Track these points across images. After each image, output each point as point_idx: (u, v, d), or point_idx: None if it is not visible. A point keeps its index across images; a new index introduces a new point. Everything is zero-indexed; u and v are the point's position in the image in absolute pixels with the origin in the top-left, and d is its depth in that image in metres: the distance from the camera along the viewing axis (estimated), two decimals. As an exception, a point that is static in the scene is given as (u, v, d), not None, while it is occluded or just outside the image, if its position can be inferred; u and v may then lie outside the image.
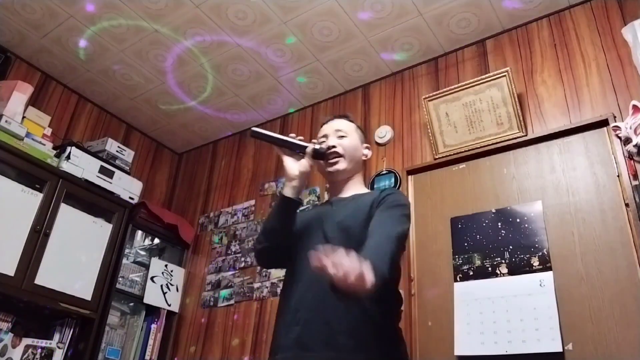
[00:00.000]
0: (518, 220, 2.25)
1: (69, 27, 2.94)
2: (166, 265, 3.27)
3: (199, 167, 3.86)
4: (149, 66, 3.19)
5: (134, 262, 3.18)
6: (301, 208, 1.57)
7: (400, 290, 1.57)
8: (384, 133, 2.89)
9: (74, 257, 2.73)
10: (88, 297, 2.72)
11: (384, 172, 2.75)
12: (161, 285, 3.18)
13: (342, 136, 1.61)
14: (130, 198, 3.10)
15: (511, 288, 2.13)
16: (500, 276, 2.19)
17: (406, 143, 2.82)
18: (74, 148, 2.89)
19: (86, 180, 2.89)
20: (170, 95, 3.43)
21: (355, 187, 1.61)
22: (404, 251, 1.42)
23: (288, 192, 1.48)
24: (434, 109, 2.65)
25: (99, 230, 2.90)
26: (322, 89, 3.27)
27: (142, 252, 3.29)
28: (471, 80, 2.58)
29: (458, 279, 2.29)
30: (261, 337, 2.81)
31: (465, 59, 2.83)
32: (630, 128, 2.03)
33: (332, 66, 3.08)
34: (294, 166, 1.51)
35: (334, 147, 1.58)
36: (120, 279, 2.99)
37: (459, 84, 2.62)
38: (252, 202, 3.34)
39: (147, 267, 3.18)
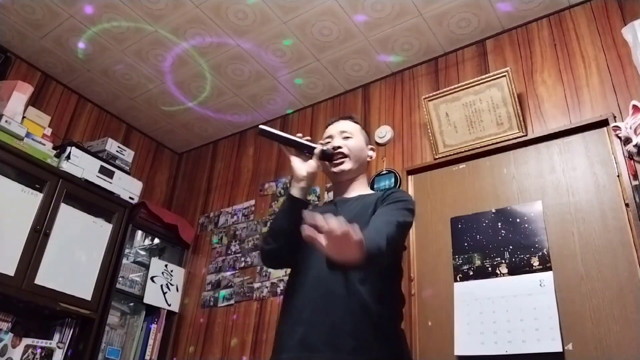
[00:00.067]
0: (518, 220, 2.25)
1: (69, 27, 2.94)
2: (166, 265, 3.27)
3: (199, 167, 3.86)
4: (149, 66, 3.19)
5: (134, 262, 3.18)
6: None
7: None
8: (384, 133, 2.89)
9: (74, 257, 2.73)
10: (88, 297, 2.72)
11: (384, 172, 2.75)
12: (161, 285, 3.18)
13: (348, 137, 1.62)
14: (130, 198, 3.10)
15: (511, 288, 2.13)
16: (500, 276, 2.19)
17: (406, 143, 2.82)
18: (74, 148, 2.89)
19: (86, 180, 2.89)
20: (170, 95, 3.43)
21: (360, 188, 1.62)
22: (404, 239, 1.42)
23: (296, 192, 1.48)
24: (434, 109, 2.65)
25: (99, 230, 2.90)
26: (322, 89, 3.27)
27: (142, 252, 3.29)
28: (471, 80, 2.58)
29: (458, 279, 2.29)
30: (261, 337, 2.81)
31: (465, 59, 2.83)
32: (630, 128, 2.03)
33: (332, 66, 3.08)
34: (301, 167, 1.51)
35: (339, 147, 1.59)
36: (120, 279, 2.99)
37: (459, 84, 2.62)
38: (252, 202, 3.34)
39: (147, 267, 3.18)
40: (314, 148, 1.54)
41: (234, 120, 3.63)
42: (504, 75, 2.46)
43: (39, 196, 2.65)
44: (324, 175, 2.07)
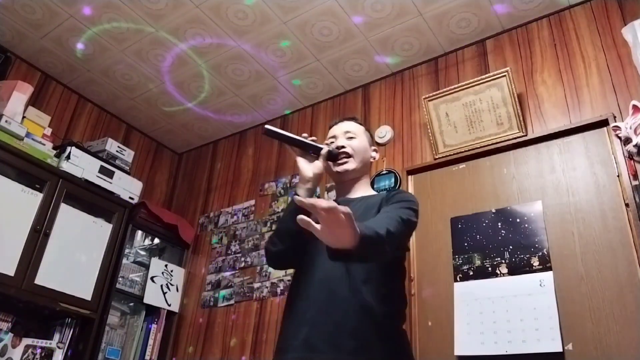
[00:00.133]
0: (518, 220, 2.25)
1: (69, 27, 2.94)
2: (166, 265, 3.27)
3: (199, 167, 3.86)
4: (149, 66, 3.19)
5: (134, 262, 3.19)
6: None
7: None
8: (384, 133, 2.89)
9: (74, 257, 2.73)
10: (88, 297, 2.72)
11: (384, 172, 2.75)
12: (161, 285, 3.18)
13: (352, 137, 1.63)
14: (130, 198, 3.10)
15: (511, 288, 2.13)
16: (500, 276, 2.19)
17: (406, 143, 2.82)
18: (74, 148, 2.89)
19: (86, 180, 2.89)
20: (170, 95, 3.43)
21: (363, 189, 1.63)
22: (408, 237, 1.41)
23: (302, 193, 1.48)
24: (434, 109, 2.66)
25: (99, 230, 2.90)
26: (322, 89, 3.27)
27: (142, 252, 3.29)
28: (471, 80, 2.58)
29: (458, 279, 2.29)
30: (261, 337, 2.81)
31: (465, 59, 2.83)
32: (630, 128, 2.03)
33: (332, 66, 3.08)
34: (308, 168, 1.51)
35: (343, 147, 1.59)
36: (120, 279, 2.99)
37: (459, 84, 2.62)
38: (252, 202, 3.34)
39: (147, 267, 3.18)
40: (320, 148, 1.53)
41: (234, 120, 3.63)
42: (504, 75, 2.46)
43: (39, 196, 2.65)
44: (325, 175, 2.07)
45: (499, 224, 2.29)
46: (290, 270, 2.67)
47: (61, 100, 3.37)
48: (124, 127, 3.72)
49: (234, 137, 3.77)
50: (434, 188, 2.59)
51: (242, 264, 3.12)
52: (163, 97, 3.46)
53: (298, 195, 1.47)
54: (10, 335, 2.49)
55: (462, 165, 2.56)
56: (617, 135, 2.12)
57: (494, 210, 2.34)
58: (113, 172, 3.05)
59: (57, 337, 2.65)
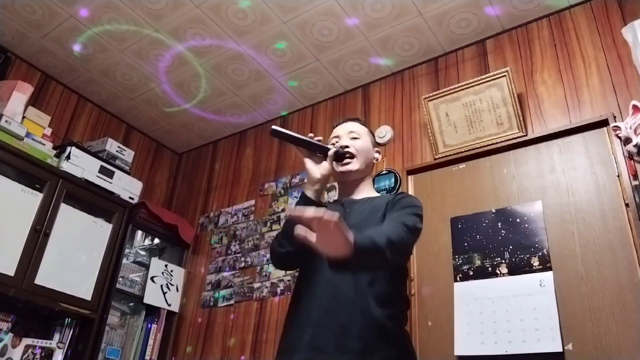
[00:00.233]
0: (518, 220, 2.25)
1: (69, 27, 2.94)
2: (166, 265, 3.27)
3: (199, 167, 3.86)
4: (149, 66, 3.19)
5: (134, 262, 3.18)
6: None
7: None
8: (384, 133, 2.89)
9: (74, 257, 2.73)
10: (88, 297, 2.72)
11: (384, 172, 2.75)
12: (161, 285, 3.18)
13: (355, 138, 1.63)
14: (130, 198, 3.10)
15: (511, 288, 2.13)
16: (500, 276, 2.19)
17: (406, 143, 2.82)
18: (74, 148, 2.89)
19: (86, 180, 2.89)
20: (170, 95, 3.43)
21: (367, 190, 1.63)
22: (413, 243, 1.41)
23: (311, 195, 1.48)
24: (434, 109, 2.65)
25: (99, 230, 2.90)
26: (322, 89, 3.27)
27: (142, 252, 3.29)
28: (471, 80, 2.58)
29: (458, 279, 2.29)
30: (261, 337, 2.81)
31: (465, 59, 2.83)
32: (630, 128, 2.03)
33: (332, 66, 3.08)
34: (315, 169, 1.50)
35: (347, 147, 1.59)
36: (120, 279, 2.99)
37: (459, 84, 2.62)
38: (252, 202, 3.34)
39: (147, 267, 3.18)
40: (327, 149, 1.53)
41: (234, 120, 3.63)
42: (504, 75, 2.46)
43: (39, 196, 2.65)
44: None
45: (499, 224, 2.29)
46: (290, 271, 2.67)
47: (61, 100, 3.37)
48: (124, 127, 3.72)
49: (234, 137, 3.77)
50: (434, 188, 2.59)
51: (242, 264, 3.12)
52: (163, 97, 3.46)
53: (306, 194, 1.48)
54: (10, 335, 2.49)
55: (462, 165, 2.56)
56: (617, 135, 2.12)
57: (494, 210, 2.34)
58: (113, 172, 3.05)
59: (57, 337, 2.65)
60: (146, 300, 3.07)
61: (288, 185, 3.20)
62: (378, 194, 1.66)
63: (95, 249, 2.84)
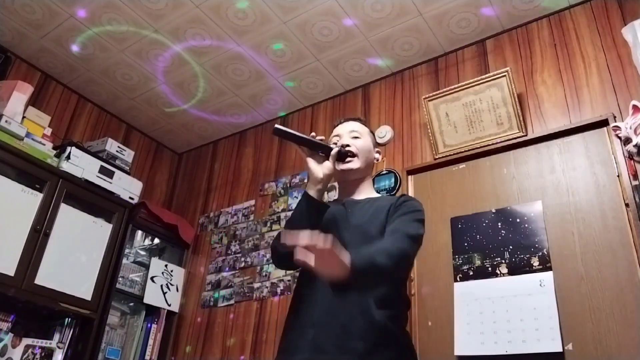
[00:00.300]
0: (518, 220, 2.25)
1: (69, 27, 2.94)
2: (166, 265, 3.27)
3: (199, 167, 3.86)
4: (149, 66, 3.19)
5: (134, 262, 3.18)
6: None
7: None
8: (384, 133, 2.89)
9: (74, 257, 2.73)
10: (88, 297, 2.72)
11: (384, 172, 2.75)
12: (161, 285, 3.18)
13: (356, 137, 1.63)
14: (130, 198, 3.10)
15: (511, 288, 2.13)
16: (500, 276, 2.19)
17: (406, 143, 2.82)
18: (74, 148, 2.89)
19: (86, 180, 2.89)
20: (170, 95, 3.43)
21: (367, 190, 1.63)
22: (416, 251, 1.43)
23: (314, 194, 1.47)
24: (434, 109, 2.65)
25: (99, 230, 2.90)
26: (322, 89, 3.27)
27: (142, 252, 3.29)
28: (471, 80, 2.58)
29: (458, 279, 2.29)
30: (261, 337, 2.81)
31: (465, 59, 2.83)
32: (630, 128, 2.03)
33: (332, 66, 3.08)
34: (318, 169, 1.49)
35: (348, 145, 1.59)
36: (120, 279, 2.99)
37: (459, 84, 2.62)
38: (252, 202, 3.34)
39: (147, 267, 3.18)
40: (330, 148, 1.52)
41: (234, 120, 3.63)
42: (504, 75, 2.46)
43: (39, 196, 2.65)
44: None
45: (499, 224, 2.29)
46: (291, 270, 2.67)
47: (61, 100, 3.37)
48: (124, 127, 3.72)
49: (233, 137, 3.77)
50: (434, 188, 2.59)
51: (242, 264, 3.12)
52: (163, 97, 3.46)
53: (309, 194, 1.46)
54: (10, 335, 2.49)
55: (462, 165, 2.56)
56: (617, 135, 2.12)
57: (494, 210, 2.34)
58: (113, 172, 3.05)
59: (57, 337, 2.65)
60: (146, 300, 3.07)
61: (288, 185, 3.20)
62: (378, 195, 1.66)
63: (95, 249, 2.84)
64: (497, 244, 2.25)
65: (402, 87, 3.01)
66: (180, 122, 3.70)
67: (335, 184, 2.41)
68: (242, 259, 3.14)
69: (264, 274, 2.99)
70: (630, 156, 2.06)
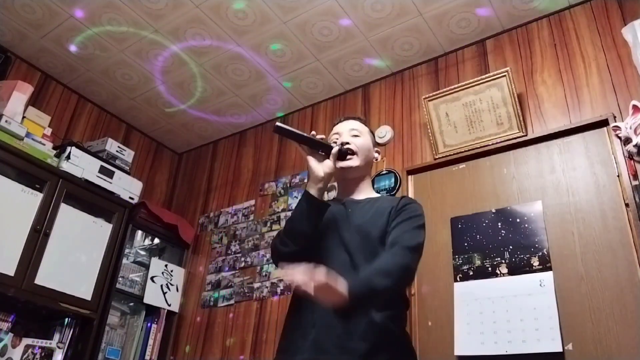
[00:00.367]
0: (518, 220, 2.25)
1: (69, 27, 2.94)
2: (166, 265, 3.27)
3: (199, 167, 3.86)
4: (149, 66, 3.19)
5: (134, 262, 3.18)
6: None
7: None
8: (384, 133, 2.89)
9: (74, 257, 2.73)
10: (88, 297, 2.72)
11: (384, 172, 2.75)
12: (161, 285, 3.18)
13: (356, 135, 1.63)
14: (130, 198, 3.10)
15: (511, 288, 2.13)
16: (500, 276, 2.19)
17: (406, 143, 2.82)
18: (74, 148, 2.89)
19: (86, 180, 2.89)
20: (170, 95, 3.43)
21: (367, 190, 1.63)
22: (419, 260, 1.44)
23: (314, 193, 1.46)
24: (434, 109, 2.65)
25: (99, 230, 2.90)
26: (322, 89, 3.27)
27: (142, 252, 3.29)
28: (471, 80, 2.58)
29: (458, 279, 2.29)
30: (261, 337, 2.81)
31: (465, 59, 2.83)
32: (630, 128, 2.03)
33: (332, 66, 3.08)
34: (319, 168, 1.48)
35: (347, 143, 1.59)
36: (120, 279, 2.99)
37: (459, 84, 2.62)
38: (252, 202, 3.34)
39: (147, 267, 3.18)
40: (330, 147, 1.51)
41: (234, 120, 3.63)
42: (504, 75, 2.46)
43: (39, 196, 2.65)
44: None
45: (499, 224, 2.29)
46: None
47: (61, 100, 3.37)
48: (124, 127, 3.72)
49: (233, 137, 3.77)
50: (434, 188, 2.59)
51: (242, 264, 3.12)
52: (163, 97, 3.46)
53: (310, 193, 1.46)
54: (10, 335, 2.49)
55: (462, 165, 2.56)
56: (617, 135, 2.12)
57: (494, 210, 2.34)
58: (113, 172, 3.04)
59: (57, 337, 2.65)
60: (146, 300, 3.07)
61: (288, 185, 3.20)
62: (378, 194, 1.66)
63: (95, 249, 2.84)
64: (497, 244, 2.25)
65: (402, 87, 3.01)
66: (180, 122, 3.70)
67: (335, 183, 2.40)
68: (242, 259, 3.14)
69: (264, 273, 2.99)
70: (630, 156, 2.06)
